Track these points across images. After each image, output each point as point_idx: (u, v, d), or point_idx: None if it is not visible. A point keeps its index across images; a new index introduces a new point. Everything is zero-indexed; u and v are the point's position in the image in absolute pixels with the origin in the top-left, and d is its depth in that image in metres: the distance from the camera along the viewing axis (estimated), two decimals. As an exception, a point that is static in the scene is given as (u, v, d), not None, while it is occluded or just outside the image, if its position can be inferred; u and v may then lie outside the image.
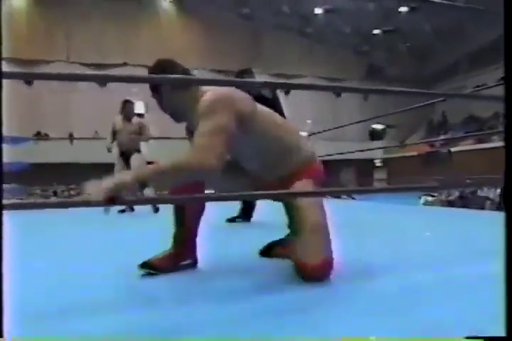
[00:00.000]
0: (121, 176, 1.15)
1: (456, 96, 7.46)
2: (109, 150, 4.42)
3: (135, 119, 4.47)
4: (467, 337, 0.76)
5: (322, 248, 1.27)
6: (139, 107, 16.73)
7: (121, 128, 4.38)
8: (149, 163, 3.98)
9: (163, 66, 1.43)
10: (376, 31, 18.10)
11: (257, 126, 1.38)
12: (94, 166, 13.73)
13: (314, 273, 1.24)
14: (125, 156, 4.37)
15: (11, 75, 0.83)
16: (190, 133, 1.43)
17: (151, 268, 1.40)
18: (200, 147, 1.21)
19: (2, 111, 0.69)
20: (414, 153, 15.96)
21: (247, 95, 1.40)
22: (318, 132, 5.24)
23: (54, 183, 13.77)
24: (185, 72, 1.45)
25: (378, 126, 19.66)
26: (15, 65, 12.37)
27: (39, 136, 14.48)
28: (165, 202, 1.56)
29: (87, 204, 1.06)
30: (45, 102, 15.61)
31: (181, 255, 1.49)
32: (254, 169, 1.50)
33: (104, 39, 16.11)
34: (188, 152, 1.22)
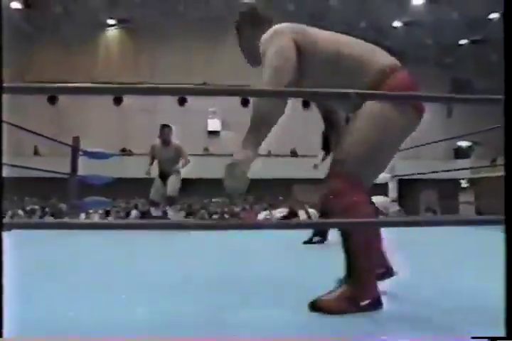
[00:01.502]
0: (241, 153, 1.20)
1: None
2: (148, 174, 4.85)
3: (172, 144, 4.88)
4: (473, 337, 0.78)
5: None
6: (215, 125, 17.59)
7: (159, 152, 4.84)
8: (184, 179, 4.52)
9: (250, 17, 1.59)
10: (462, 41, 17.10)
11: (320, 53, 1.37)
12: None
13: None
14: (164, 177, 4.82)
15: (12, 89, 0.90)
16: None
17: (322, 310, 1.16)
18: (267, 83, 1.29)
19: (2, 121, 0.73)
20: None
21: (307, 27, 1.52)
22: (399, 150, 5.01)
23: (135, 197, 14.77)
24: (270, 22, 1.50)
25: (464, 144, 18.30)
26: (107, 88, 13.68)
27: (124, 152, 15.74)
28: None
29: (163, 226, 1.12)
30: (132, 121, 17.04)
31: (359, 293, 1.20)
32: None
33: (186, 60, 17.26)
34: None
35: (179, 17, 17.37)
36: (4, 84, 0.76)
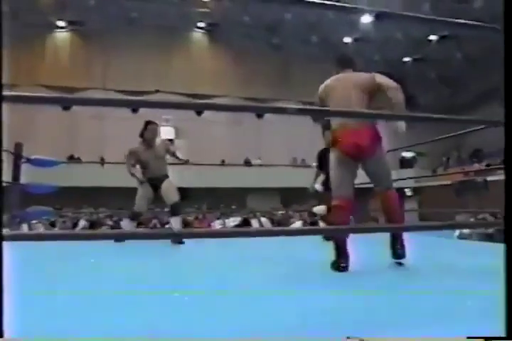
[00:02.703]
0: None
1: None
2: (140, 180, 3.96)
3: (158, 141, 4.07)
4: (468, 337, 0.80)
5: None
6: (169, 133, 17.29)
7: (144, 155, 3.91)
8: (180, 189, 3.89)
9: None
10: (406, 59, 18.17)
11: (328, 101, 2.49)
12: (122, 190, 14.11)
13: None
14: (154, 183, 3.92)
15: (11, 98, 0.86)
16: None
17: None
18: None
19: (2, 131, 0.70)
20: (447, 182, 15.45)
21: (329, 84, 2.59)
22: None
23: (84, 206, 14.14)
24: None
25: (408, 154, 19.33)
26: (54, 92, 13.11)
27: (72, 159, 15.04)
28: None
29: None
30: (81, 128, 16.35)
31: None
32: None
33: (139, 69, 16.89)
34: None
35: (134, 24, 17.06)
36: None
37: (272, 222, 8.71)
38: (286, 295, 1.49)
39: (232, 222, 8.91)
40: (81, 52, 17.15)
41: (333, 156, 2.38)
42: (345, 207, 2.30)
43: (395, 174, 13.08)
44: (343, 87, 2.43)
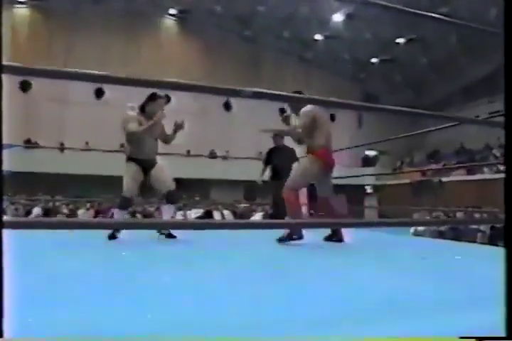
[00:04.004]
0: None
1: (466, 122, 7.56)
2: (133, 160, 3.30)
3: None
4: (461, 337, 0.80)
5: None
6: (133, 121, 16.88)
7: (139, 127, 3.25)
8: (177, 180, 3.49)
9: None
10: (374, 60, 18.60)
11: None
12: (81, 177, 13.67)
13: None
14: (144, 167, 3.34)
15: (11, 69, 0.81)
16: None
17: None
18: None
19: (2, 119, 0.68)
20: (406, 181, 16.07)
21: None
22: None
23: (40, 193, 13.58)
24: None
25: (371, 153, 19.95)
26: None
27: (29, 143, 14.36)
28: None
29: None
30: (40, 111, 15.61)
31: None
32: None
33: (104, 53, 16.30)
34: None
35: (100, 4, 16.41)
36: None
37: (235, 214, 8.74)
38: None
39: (195, 213, 8.87)
40: (41, 31, 16.30)
41: (311, 164, 3.08)
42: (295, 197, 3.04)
43: (357, 171, 13.42)
44: (327, 120, 3.29)
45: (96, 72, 0.94)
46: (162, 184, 3.38)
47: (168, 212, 3.42)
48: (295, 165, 3.22)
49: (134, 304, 1.26)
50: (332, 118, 20.27)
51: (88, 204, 10.09)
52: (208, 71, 17.29)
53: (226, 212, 8.16)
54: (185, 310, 1.20)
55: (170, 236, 3.28)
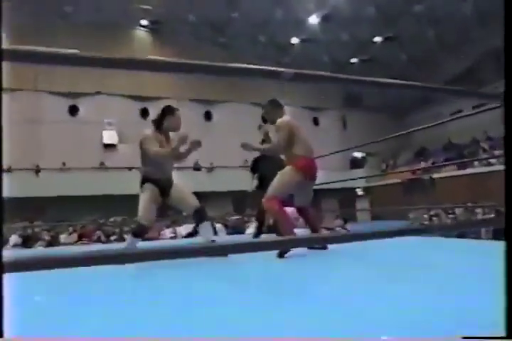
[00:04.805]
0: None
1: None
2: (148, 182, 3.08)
3: (172, 135, 3.25)
4: (461, 337, 0.82)
5: None
6: (111, 137, 16.73)
7: (165, 146, 3.08)
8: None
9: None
10: (353, 60, 18.92)
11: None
12: (60, 199, 13.43)
13: None
14: (162, 187, 3.13)
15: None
16: None
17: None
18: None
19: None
20: (396, 181, 16.23)
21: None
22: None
23: (16, 219, 13.28)
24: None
25: (359, 154, 20.17)
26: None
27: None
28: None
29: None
30: (12, 133, 15.35)
31: None
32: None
33: (76, 67, 16.21)
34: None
35: (68, 19, 16.36)
36: None
37: (226, 227, 8.67)
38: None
39: (184, 229, 8.77)
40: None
41: (290, 175, 3.10)
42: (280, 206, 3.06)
43: (346, 174, 13.48)
44: (301, 127, 3.28)
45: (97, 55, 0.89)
46: (186, 203, 3.19)
47: (206, 232, 3.17)
48: (276, 177, 3.13)
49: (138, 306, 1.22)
50: (315, 121, 20.57)
51: (70, 228, 9.79)
52: (187, 81, 17.31)
53: (218, 226, 8.09)
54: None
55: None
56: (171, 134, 3.22)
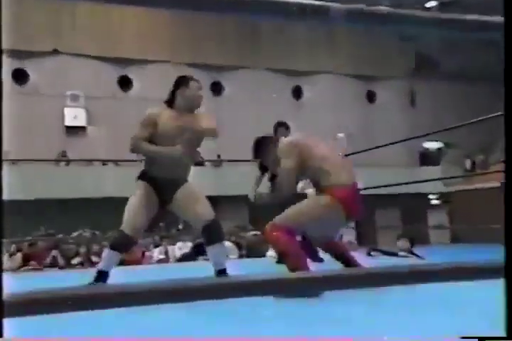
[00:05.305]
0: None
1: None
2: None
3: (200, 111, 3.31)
4: (461, 337, 1.04)
5: None
6: (77, 117, 16.82)
7: (172, 125, 3.09)
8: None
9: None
10: (431, 3, 18.55)
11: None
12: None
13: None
14: (165, 187, 3.10)
15: None
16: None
17: None
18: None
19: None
20: (492, 185, 14.51)
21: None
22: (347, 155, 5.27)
23: None
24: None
25: (433, 145, 19.73)
26: None
27: None
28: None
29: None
30: None
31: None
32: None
33: (30, 21, 16.44)
34: None
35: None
36: None
37: (239, 247, 8.69)
38: None
39: (179, 249, 8.85)
40: None
41: (325, 208, 2.96)
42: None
43: (412, 174, 13.24)
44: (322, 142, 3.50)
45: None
46: (193, 213, 3.14)
47: (218, 257, 3.15)
48: (303, 201, 3.09)
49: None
50: (370, 97, 20.25)
51: (13, 247, 9.74)
52: (181, 40, 17.41)
53: (227, 244, 8.07)
54: None
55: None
56: (200, 115, 3.22)
